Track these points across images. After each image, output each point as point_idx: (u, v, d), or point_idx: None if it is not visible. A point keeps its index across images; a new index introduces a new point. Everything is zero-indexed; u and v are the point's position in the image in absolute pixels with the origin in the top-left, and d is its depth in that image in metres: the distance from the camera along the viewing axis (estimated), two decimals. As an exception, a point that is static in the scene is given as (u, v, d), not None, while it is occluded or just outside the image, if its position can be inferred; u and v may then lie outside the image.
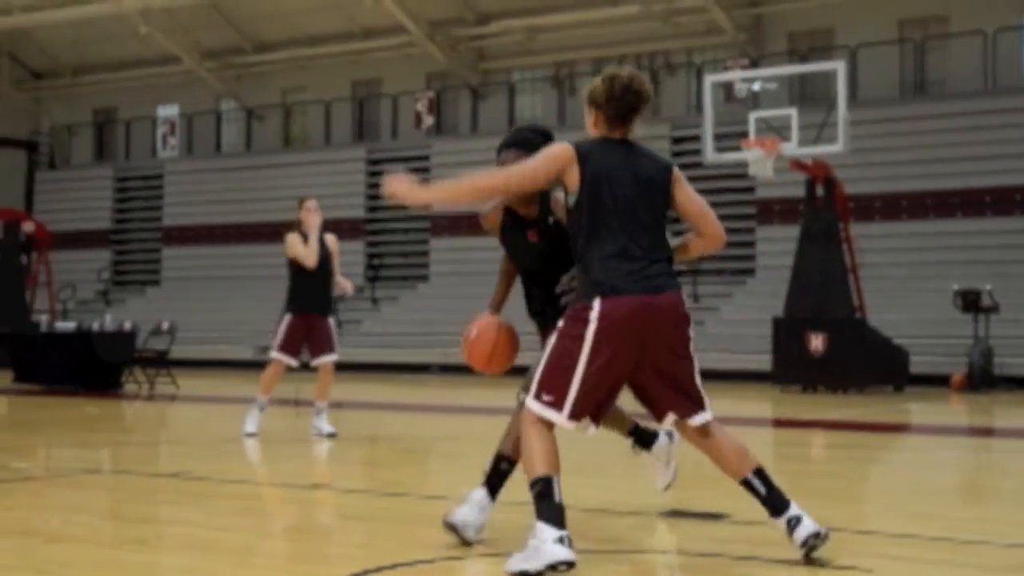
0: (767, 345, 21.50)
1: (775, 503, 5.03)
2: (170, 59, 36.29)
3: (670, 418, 5.05)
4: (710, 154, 21.45)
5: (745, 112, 22.37)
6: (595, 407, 4.90)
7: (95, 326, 19.47)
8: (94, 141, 39.74)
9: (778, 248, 25.75)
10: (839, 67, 20.58)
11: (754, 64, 28.27)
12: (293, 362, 10.84)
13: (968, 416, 16.26)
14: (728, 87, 24.01)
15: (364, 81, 34.80)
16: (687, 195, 5.12)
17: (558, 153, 4.95)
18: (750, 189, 27.45)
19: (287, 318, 10.81)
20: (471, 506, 5.33)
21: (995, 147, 25.49)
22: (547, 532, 4.63)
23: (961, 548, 5.62)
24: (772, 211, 27.43)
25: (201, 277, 34.94)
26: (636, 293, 4.84)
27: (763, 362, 21.96)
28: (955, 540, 5.76)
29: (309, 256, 10.70)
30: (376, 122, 34.56)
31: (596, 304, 4.82)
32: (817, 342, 20.21)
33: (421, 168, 31.95)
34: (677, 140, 28.71)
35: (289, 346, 10.78)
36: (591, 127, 5.08)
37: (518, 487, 5.24)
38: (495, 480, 5.42)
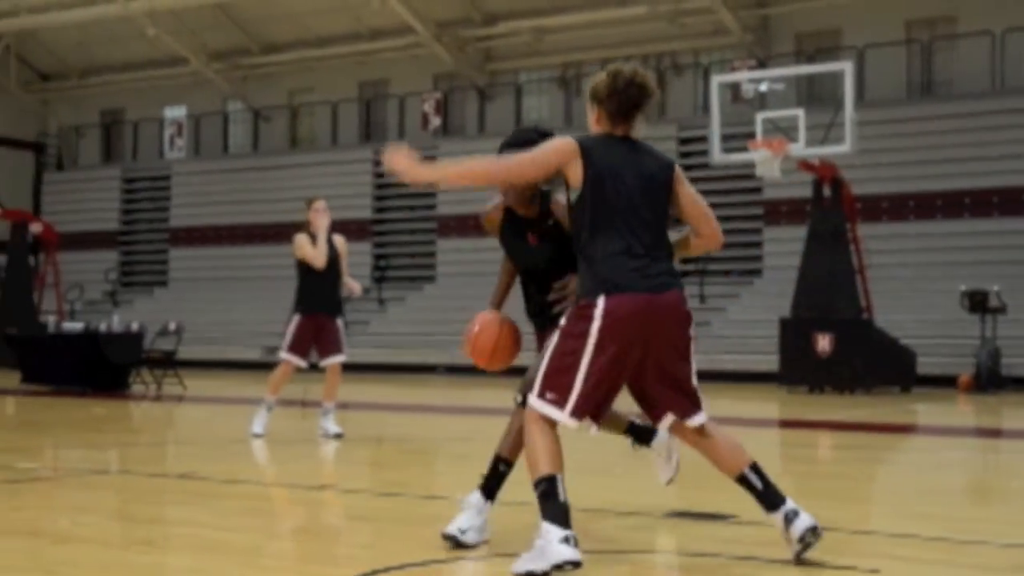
0: (774, 346, 21.50)
1: (771, 498, 5.03)
2: (177, 60, 36.34)
3: (668, 419, 5.04)
4: (717, 155, 21.45)
5: (752, 113, 22.36)
6: (596, 406, 4.89)
7: (102, 327, 19.50)
8: (101, 142, 39.81)
9: (785, 249, 25.74)
10: (846, 68, 20.58)
11: (761, 65, 28.25)
12: (302, 363, 10.85)
13: (975, 417, 16.24)
14: (735, 88, 24.02)
15: (371, 82, 34.82)
16: (688, 194, 5.11)
17: (560, 146, 4.92)
18: (757, 190, 27.44)
19: (296, 319, 10.82)
20: (468, 512, 5.33)
21: (1003, 147, 25.46)
22: (552, 532, 4.62)
23: (963, 548, 5.62)
24: (779, 212, 27.41)
25: (208, 278, 34.98)
26: (640, 291, 4.82)
27: (770, 363, 21.95)
28: (957, 540, 5.76)
29: (318, 257, 10.71)
30: (383, 123, 34.58)
31: (600, 301, 4.80)
32: (824, 343, 20.20)
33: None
34: (684, 141, 28.72)
35: (298, 347, 10.80)
36: (593, 123, 5.06)
37: (521, 488, 5.25)
38: (492, 482, 5.41)
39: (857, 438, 12.32)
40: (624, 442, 6.10)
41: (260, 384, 11.56)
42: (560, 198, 5.36)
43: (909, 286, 24.82)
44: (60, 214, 36.85)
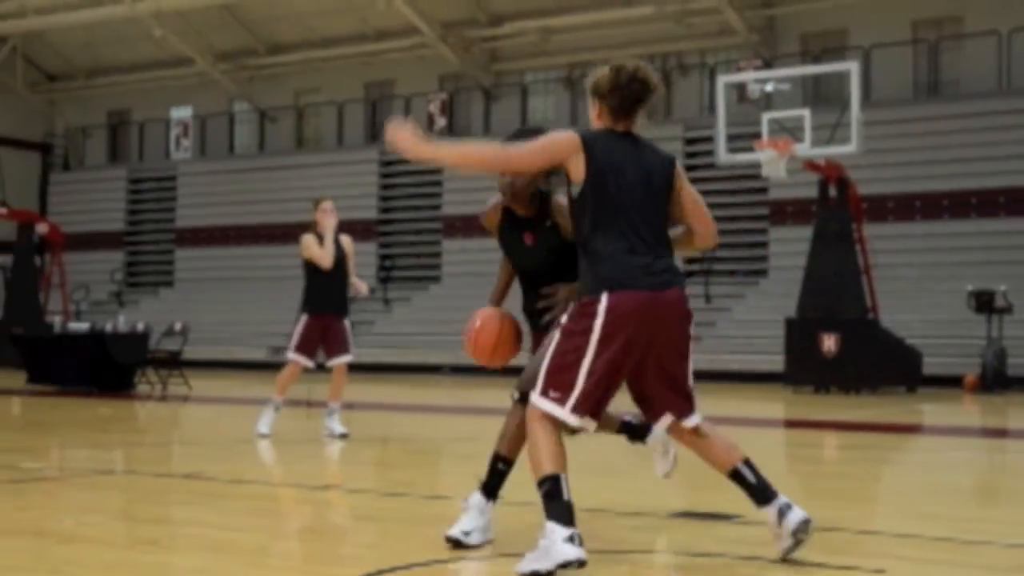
0: (779, 346, 21.48)
1: (764, 492, 5.03)
2: (183, 61, 36.38)
3: (667, 419, 5.04)
4: (723, 155, 21.43)
5: (758, 113, 22.35)
6: (597, 403, 4.86)
7: (108, 327, 19.53)
8: (108, 143, 39.86)
9: (791, 249, 25.72)
10: (852, 68, 20.56)
11: (767, 65, 28.24)
12: (309, 363, 10.86)
13: (981, 417, 16.22)
14: (741, 88, 23.99)
15: (377, 82, 34.84)
16: (687, 191, 5.09)
17: (562, 139, 4.89)
18: (763, 190, 27.42)
19: (303, 319, 10.83)
20: (470, 513, 5.33)
21: (1009, 147, 25.43)
22: (557, 531, 4.61)
23: (968, 548, 5.61)
24: (785, 212, 27.39)
25: (214, 278, 35.01)
26: (642, 288, 4.80)
27: (775, 363, 21.93)
28: (963, 541, 5.75)
29: (325, 257, 10.72)
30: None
31: (604, 298, 4.78)
32: (830, 343, 20.18)
33: (434, 169, 32.04)
34: (690, 141, 28.71)
35: (305, 347, 10.81)
36: (595, 119, 5.03)
37: (525, 488, 5.25)
38: (493, 482, 5.40)
39: (863, 438, 12.31)
40: (625, 442, 6.10)
41: (266, 384, 11.57)
42: (560, 199, 5.34)
43: (915, 286, 24.79)
44: (66, 214, 36.92)
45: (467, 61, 32.91)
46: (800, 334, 20.62)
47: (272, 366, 22.48)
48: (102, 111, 39.81)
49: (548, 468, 4.76)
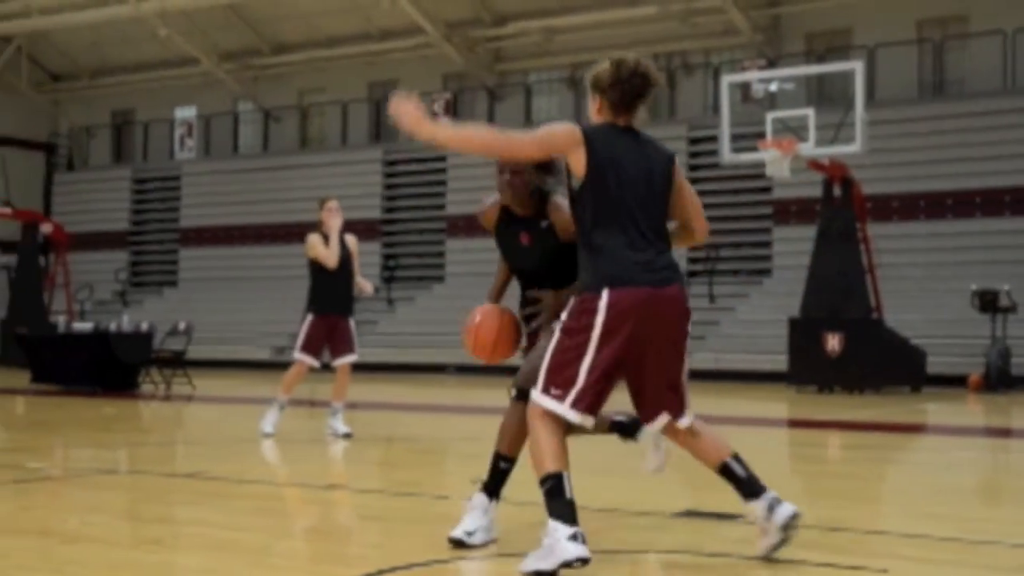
0: (783, 345, 21.47)
1: (753, 486, 5.03)
2: (188, 61, 36.41)
3: (663, 419, 5.02)
4: (727, 154, 21.42)
5: (762, 112, 22.36)
6: (596, 399, 4.83)
7: (112, 327, 19.53)
8: (112, 143, 39.90)
9: (795, 248, 25.71)
10: (857, 67, 20.54)
11: (771, 64, 28.22)
12: (315, 363, 10.86)
13: (985, 417, 16.20)
14: (745, 87, 24.00)
15: (381, 82, 34.84)
16: (685, 187, 5.09)
17: (563, 130, 4.87)
18: (767, 189, 27.40)
19: (309, 318, 10.83)
20: (473, 513, 5.32)
21: (1014, 147, 25.41)
22: (560, 529, 4.59)
23: (973, 548, 5.60)
24: (789, 211, 27.38)
25: (218, 278, 35.04)
26: (643, 285, 4.78)
27: (779, 362, 21.92)
28: (967, 540, 5.74)
29: (330, 257, 10.72)
30: (393, 123, 34.58)
31: (604, 295, 4.76)
32: (834, 342, 20.17)
33: (438, 169, 32.09)
34: (694, 141, 28.69)
35: (311, 346, 10.81)
36: (595, 114, 5.00)
37: (527, 487, 5.24)
38: (495, 481, 5.40)
39: (867, 438, 12.30)
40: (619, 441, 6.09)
41: (269, 384, 11.58)
42: (559, 200, 5.33)
43: (919, 286, 24.78)
44: (70, 214, 36.97)
45: (471, 61, 32.92)
46: (804, 334, 20.61)
47: (276, 366, 22.47)
48: (106, 111, 39.85)
49: (550, 466, 4.74)
